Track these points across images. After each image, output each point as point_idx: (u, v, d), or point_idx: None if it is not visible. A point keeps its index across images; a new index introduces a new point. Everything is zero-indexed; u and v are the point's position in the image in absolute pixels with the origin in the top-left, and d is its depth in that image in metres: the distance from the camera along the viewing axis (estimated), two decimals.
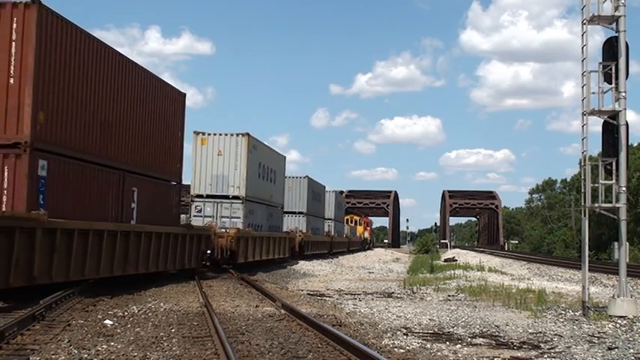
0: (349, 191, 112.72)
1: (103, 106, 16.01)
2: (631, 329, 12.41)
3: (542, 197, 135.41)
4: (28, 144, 12.94)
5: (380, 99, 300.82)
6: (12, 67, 13.10)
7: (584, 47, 15.07)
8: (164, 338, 9.76)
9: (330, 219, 54.19)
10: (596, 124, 15.60)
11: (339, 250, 57.29)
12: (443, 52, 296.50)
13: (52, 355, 8.31)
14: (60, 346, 8.83)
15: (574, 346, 10.48)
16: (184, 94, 22.17)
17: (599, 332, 12.05)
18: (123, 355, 8.47)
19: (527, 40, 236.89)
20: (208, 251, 23.96)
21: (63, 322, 10.73)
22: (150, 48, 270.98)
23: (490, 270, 33.05)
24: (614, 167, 14.85)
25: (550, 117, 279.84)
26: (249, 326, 11.25)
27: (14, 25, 13.12)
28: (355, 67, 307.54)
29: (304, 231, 40.75)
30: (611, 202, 14.92)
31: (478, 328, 12.30)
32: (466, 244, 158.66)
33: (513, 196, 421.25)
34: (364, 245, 79.15)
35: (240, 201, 27.47)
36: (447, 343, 10.60)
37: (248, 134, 27.90)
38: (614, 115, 14.84)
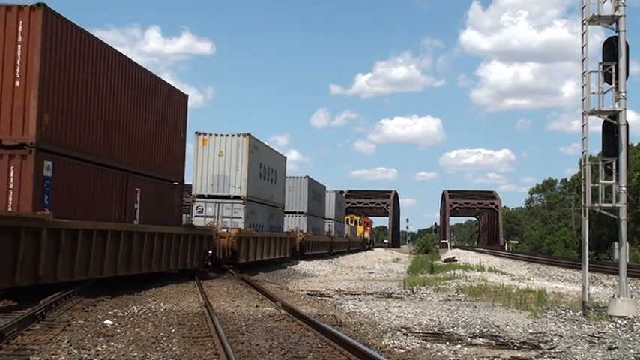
0: (349, 191, 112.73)
1: (106, 108, 16.18)
2: (631, 329, 12.41)
3: (542, 197, 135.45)
4: (34, 145, 13.13)
5: (380, 99, 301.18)
6: (18, 70, 13.29)
7: (584, 47, 15.07)
8: (164, 338, 9.76)
9: (331, 219, 54.24)
10: (596, 124, 15.62)
11: (340, 250, 57.32)
12: (443, 52, 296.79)
13: (52, 355, 8.31)
14: (60, 346, 8.83)
15: (574, 346, 10.48)
16: (186, 96, 22.31)
17: (599, 332, 12.05)
18: (123, 355, 8.47)
19: (527, 40, 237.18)
20: (210, 251, 24.04)
21: (63, 322, 10.73)
22: (150, 48, 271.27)
23: (490, 270, 33.05)
24: (614, 167, 14.85)
25: (550, 117, 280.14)
26: (249, 326, 11.25)
27: (20, 28, 13.31)
28: (355, 67, 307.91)
29: (305, 231, 40.81)
30: (611, 202, 14.92)
31: (478, 328, 12.30)
32: (466, 244, 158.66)
33: (513, 196, 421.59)
34: (364, 245, 79.17)
35: (242, 201, 27.56)
36: (447, 343, 10.60)
37: (249, 135, 28.01)
38: (614, 115, 14.84)
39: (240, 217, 27.44)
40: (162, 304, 13.97)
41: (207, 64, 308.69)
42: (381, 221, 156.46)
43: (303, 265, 34.18)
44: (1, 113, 13.23)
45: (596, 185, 15.11)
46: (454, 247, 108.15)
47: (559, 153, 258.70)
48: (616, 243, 15.19)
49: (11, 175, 13.03)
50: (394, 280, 26.72)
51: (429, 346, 10.19)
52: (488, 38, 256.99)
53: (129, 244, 16.40)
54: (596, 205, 15.00)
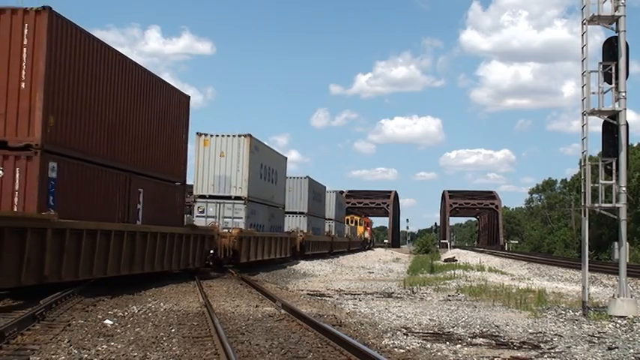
0: (349, 191, 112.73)
1: (110, 109, 16.34)
2: (631, 329, 12.41)
3: (542, 197, 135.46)
4: (39, 146, 13.32)
5: (380, 99, 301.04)
6: (23, 72, 13.49)
7: (584, 47, 15.07)
8: (164, 338, 9.76)
9: (331, 219, 54.28)
10: (596, 124, 15.63)
11: (340, 250, 57.34)
12: (443, 52, 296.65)
13: (52, 355, 8.32)
14: (60, 346, 8.83)
15: (574, 346, 10.49)
16: (188, 97, 22.45)
17: (599, 332, 12.05)
18: (123, 355, 8.48)
19: (527, 40, 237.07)
20: (211, 251, 24.12)
21: (63, 322, 10.73)
22: (150, 48, 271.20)
23: (490, 270, 33.06)
24: (614, 167, 14.85)
25: (550, 117, 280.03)
26: (249, 326, 11.25)
27: (25, 31, 13.50)
28: (355, 67, 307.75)
29: (305, 231, 40.87)
30: (611, 202, 14.92)
31: (478, 328, 12.30)
32: (466, 244, 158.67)
33: (513, 196, 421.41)
34: (364, 245, 79.18)
35: (243, 201, 27.67)
36: (447, 343, 10.60)
37: (250, 135, 28.13)
38: (614, 115, 14.84)
39: (241, 217, 27.54)
40: (162, 304, 13.98)
41: (207, 64, 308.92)
42: (381, 221, 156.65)
43: (303, 265, 34.19)
44: (7, 115, 13.42)
45: (596, 185, 15.11)
46: (454, 247, 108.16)
47: (559, 153, 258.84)
48: (616, 243, 15.19)
49: (17, 176, 13.23)
50: (394, 280, 26.72)
51: (429, 346, 10.19)
52: (488, 38, 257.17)
53: (132, 244, 16.54)
54: (596, 205, 15.00)
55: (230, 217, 27.42)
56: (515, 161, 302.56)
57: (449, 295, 19.20)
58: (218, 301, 14.90)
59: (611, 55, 14.90)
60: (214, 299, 15.32)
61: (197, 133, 27.82)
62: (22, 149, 13.28)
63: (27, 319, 10.26)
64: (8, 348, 8.61)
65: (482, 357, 9.55)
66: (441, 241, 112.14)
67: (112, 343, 9.18)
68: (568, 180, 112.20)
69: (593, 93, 14.97)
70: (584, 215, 15.22)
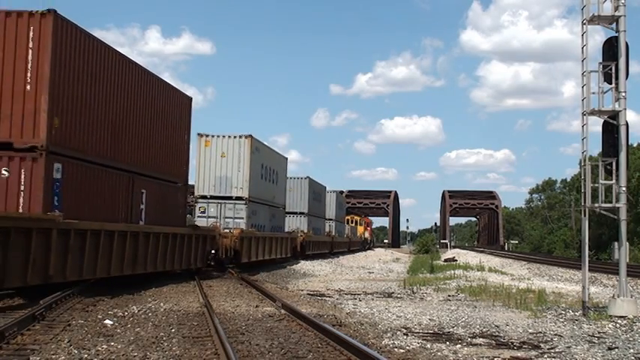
0: (349, 191, 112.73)
1: (113, 111, 16.51)
2: (631, 329, 12.41)
3: (542, 197, 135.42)
4: (44, 148, 13.48)
5: (380, 99, 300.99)
6: (29, 74, 13.65)
7: (584, 47, 15.08)
8: (164, 338, 9.76)
9: (331, 219, 54.33)
10: (596, 124, 15.63)
11: (340, 250, 57.36)
12: (443, 52, 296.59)
13: (52, 355, 8.32)
14: (60, 346, 8.83)
15: (574, 346, 10.49)
16: (190, 98, 22.63)
17: (599, 332, 12.05)
18: (123, 355, 8.48)
19: (527, 40, 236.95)
20: (213, 251, 24.21)
21: (63, 322, 10.73)
22: (150, 48, 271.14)
23: (490, 270, 33.06)
24: (614, 167, 14.85)
25: (550, 117, 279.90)
26: (249, 326, 11.25)
27: (31, 34, 13.66)
28: (355, 67, 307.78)
29: (305, 231, 40.95)
30: (611, 202, 14.92)
31: (478, 328, 12.30)
32: (466, 244, 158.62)
33: (513, 196, 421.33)
34: (364, 245, 79.17)
35: (244, 202, 27.79)
36: (447, 343, 10.60)
37: (251, 136, 28.26)
38: (614, 115, 14.84)
39: (242, 218, 27.68)
40: (162, 304, 13.98)
41: (207, 64, 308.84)
42: (381, 221, 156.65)
43: (304, 265, 34.21)
44: (13, 117, 13.59)
45: (596, 185, 15.11)
46: (454, 247, 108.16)
47: (559, 153, 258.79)
48: (616, 243, 15.19)
49: (22, 177, 13.39)
50: (394, 280, 26.72)
51: (429, 346, 10.20)
52: (488, 38, 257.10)
53: (135, 244, 16.71)
54: (596, 205, 15.00)
55: (231, 218, 27.55)
56: (515, 161, 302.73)
57: (449, 295, 19.20)
58: (218, 301, 14.90)
59: (611, 55, 14.90)
60: (214, 299, 15.32)
61: (198, 134, 27.94)
62: (27, 150, 13.44)
63: (27, 319, 10.26)
64: (8, 348, 8.61)
65: (482, 357, 9.55)
66: (441, 241, 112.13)
67: (112, 343, 9.18)
68: (568, 180, 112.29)
69: (593, 93, 14.97)
70: (584, 215, 15.22)
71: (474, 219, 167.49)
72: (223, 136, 28.10)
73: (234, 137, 28.05)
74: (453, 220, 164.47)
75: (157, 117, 19.32)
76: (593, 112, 14.99)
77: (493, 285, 22.19)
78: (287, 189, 37.77)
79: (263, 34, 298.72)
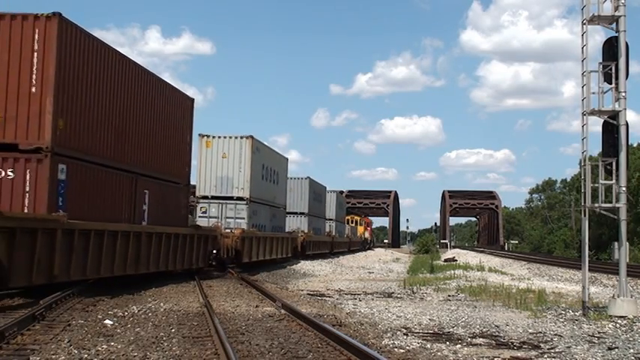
0: (349, 191, 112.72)
1: (117, 112, 16.67)
2: (631, 329, 12.41)
3: (542, 197, 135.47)
4: (49, 149, 13.65)
5: (380, 99, 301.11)
6: (34, 77, 13.81)
7: (584, 47, 15.08)
8: (164, 338, 9.76)
9: (332, 219, 54.39)
10: (596, 124, 15.63)
11: (340, 250, 57.39)
12: (443, 52, 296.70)
13: (52, 355, 8.31)
14: (60, 346, 8.83)
15: (574, 346, 10.49)
16: (192, 99, 22.80)
17: (599, 332, 12.05)
18: (123, 355, 8.47)
19: (527, 40, 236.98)
20: (214, 251, 24.29)
21: (63, 322, 10.73)
22: (150, 48, 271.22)
23: (490, 270, 33.06)
24: (614, 167, 14.85)
25: (550, 117, 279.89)
26: (249, 326, 11.25)
27: (36, 37, 13.82)
28: (355, 67, 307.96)
29: (306, 231, 41.02)
30: (611, 202, 14.92)
31: (478, 328, 12.30)
32: (466, 244, 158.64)
33: (513, 196, 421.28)
34: (365, 245, 79.17)
35: (245, 202, 27.93)
36: (447, 343, 10.60)
37: (252, 137, 28.41)
38: (614, 115, 14.84)
39: (243, 218, 27.82)
40: (162, 304, 13.98)
41: (207, 64, 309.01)
42: (381, 221, 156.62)
43: (304, 265, 34.22)
44: (18, 119, 13.74)
45: (596, 185, 15.11)
46: (454, 247, 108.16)
47: (559, 153, 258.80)
48: (616, 243, 15.19)
49: (27, 178, 13.54)
50: (394, 280, 26.72)
51: (429, 346, 10.19)
52: (488, 38, 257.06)
53: (138, 244, 16.87)
54: (596, 205, 15.00)
55: (232, 218, 27.68)
56: (515, 161, 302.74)
57: (449, 295, 19.20)
58: (218, 301, 14.90)
59: (611, 55, 14.90)
60: (214, 299, 15.32)
61: (199, 135, 28.02)
62: (32, 152, 13.59)
63: (27, 319, 10.26)
64: (8, 348, 8.61)
65: (482, 357, 9.55)
66: (441, 241, 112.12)
67: (112, 343, 9.18)
68: (568, 180, 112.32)
69: (593, 93, 14.97)
70: (584, 215, 15.22)
71: (474, 219, 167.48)
72: (224, 137, 28.24)
73: (235, 138, 28.19)
74: (453, 220, 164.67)
75: (159, 118, 19.48)
76: (593, 112, 14.99)
77: (493, 285, 22.19)
78: (287, 189, 37.89)
79: (263, 34, 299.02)
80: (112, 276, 15.74)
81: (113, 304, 13.45)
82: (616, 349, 10.21)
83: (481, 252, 72.95)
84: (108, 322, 11.11)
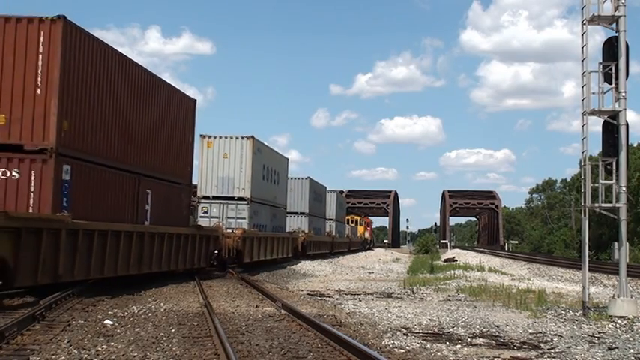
0: (349, 191, 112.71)
1: (120, 114, 16.86)
2: (631, 329, 12.41)
3: (542, 197, 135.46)
4: (54, 150, 13.84)
5: (380, 99, 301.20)
6: (39, 79, 13.99)
7: (584, 47, 15.08)
8: (164, 338, 9.76)
9: (332, 219, 54.46)
10: (596, 124, 15.63)
11: (341, 250, 57.42)
12: (443, 52, 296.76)
13: (52, 355, 8.31)
14: (60, 346, 8.83)
15: (574, 346, 10.49)
16: (194, 100, 22.95)
17: (599, 332, 12.05)
18: (123, 355, 8.47)
19: (527, 40, 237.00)
20: (216, 251, 24.34)
21: (63, 322, 10.73)
22: (150, 48, 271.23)
23: (490, 270, 33.06)
24: (614, 167, 14.85)
25: (550, 117, 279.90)
26: (249, 326, 11.25)
27: (41, 39, 13.99)
28: (355, 67, 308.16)
29: (306, 231, 41.09)
30: (611, 202, 14.92)
31: (478, 328, 12.30)
32: (466, 244, 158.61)
33: (513, 196, 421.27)
34: (365, 245, 79.21)
35: (246, 202, 28.05)
36: (447, 343, 10.60)
37: (253, 137, 28.55)
38: (614, 115, 14.84)
39: (244, 218, 27.96)
40: (162, 304, 13.98)
41: (207, 64, 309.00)
42: (381, 221, 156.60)
43: (304, 265, 34.22)
44: (23, 120, 13.91)
45: (596, 185, 15.11)
46: (454, 247, 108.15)
47: (559, 153, 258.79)
48: (616, 243, 15.19)
49: (32, 178, 13.70)
50: (394, 280, 26.72)
51: (429, 346, 10.19)
52: (488, 38, 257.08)
53: (141, 244, 17.04)
54: (596, 205, 15.00)
55: (233, 218, 27.82)
56: (515, 161, 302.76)
57: (449, 295, 19.20)
58: (218, 301, 14.90)
59: (611, 55, 14.90)
60: (214, 299, 15.32)
61: (201, 136, 28.15)
62: (37, 153, 13.74)
63: (27, 319, 10.27)
64: (8, 348, 8.61)
65: (482, 357, 9.55)
66: (441, 241, 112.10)
67: (112, 343, 9.18)
68: (568, 180, 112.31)
69: (593, 93, 14.97)
70: (584, 215, 15.22)
71: (474, 219, 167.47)
72: (225, 137, 28.39)
73: (237, 138, 28.35)
74: (453, 220, 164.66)
75: (162, 119, 19.66)
76: (593, 112, 14.99)
77: (493, 285, 22.19)
78: (288, 189, 38.00)
79: (263, 34, 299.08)
80: (115, 276, 15.88)
81: (113, 304, 13.46)
82: (616, 349, 10.21)
83: (481, 252, 72.94)
84: (108, 322, 11.11)
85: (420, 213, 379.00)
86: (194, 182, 26.23)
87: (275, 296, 15.56)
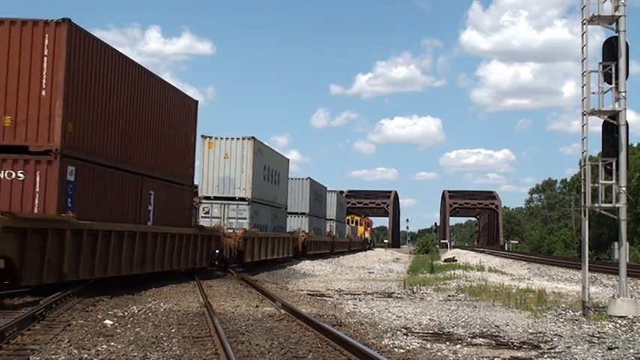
0: (349, 191, 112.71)
1: (123, 115, 17.02)
2: (631, 329, 12.41)
3: (542, 197, 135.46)
4: (59, 151, 13.99)
5: (380, 99, 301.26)
6: (44, 81, 14.15)
7: (584, 47, 15.07)
8: (164, 338, 9.76)
9: (332, 219, 54.52)
10: (596, 124, 15.63)
11: (341, 250, 57.45)
12: (443, 52, 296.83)
13: (52, 355, 8.32)
14: (60, 346, 8.83)
15: (574, 346, 10.48)
16: (196, 102, 23.08)
17: (599, 332, 12.05)
18: (123, 355, 8.47)
19: (527, 40, 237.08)
20: (217, 251, 24.42)
21: (63, 322, 10.74)
22: (150, 48, 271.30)
23: (490, 270, 33.05)
24: (614, 167, 14.85)
25: (550, 117, 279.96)
26: (249, 326, 11.25)
27: (46, 42, 14.16)
28: (355, 67, 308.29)
29: (307, 231, 41.16)
30: (611, 202, 14.91)
31: (478, 328, 12.30)
32: (466, 244, 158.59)
33: (513, 196, 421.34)
34: (365, 245, 79.26)
35: (247, 202, 28.15)
36: (447, 343, 10.60)
37: (254, 138, 28.66)
38: (614, 115, 14.84)
39: (245, 218, 28.06)
40: (162, 304, 13.98)
41: (207, 64, 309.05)
42: (381, 221, 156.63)
43: (304, 265, 34.24)
44: (28, 122, 14.08)
45: (596, 185, 15.11)
46: (454, 247, 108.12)
47: (559, 153, 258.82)
48: (616, 243, 15.19)
49: (37, 179, 13.84)
50: (394, 280, 26.72)
51: (429, 346, 10.19)
52: (488, 38, 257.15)
53: (143, 244, 17.22)
54: (596, 205, 15.00)
55: (234, 218, 27.92)
56: (515, 161, 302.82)
57: (449, 295, 19.20)
58: (218, 301, 14.90)
59: (611, 55, 14.89)
60: (214, 299, 15.32)
61: (202, 136, 28.23)
62: (42, 154, 13.88)
63: (27, 319, 10.27)
64: (8, 348, 8.61)
65: (482, 357, 9.55)
66: (441, 241, 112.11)
67: (112, 343, 9.18)
68: (568, 180, 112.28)
69: (593, 93, 14.97)
70: (584, 215, 15.22)
71: (474, 219, 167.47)
72: (226, 138, 28.51)
73: (237, 139, 28.47)
74: (453, 220, 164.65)
75: (164, 120, 19.81)
76: (593, 112, 14.99)
77: (493, 285, 22.19)
78: (289, 189, 38.07)
79: (263, 34, 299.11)
80: (118, 275, 16.06)
81: (113, 304, 13.46)
82: (616, 349, 10.21)
83: (481, 252, 72.93)
84: (108, 322, 11.11)
85: (420, 213, 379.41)
86: (195, 182, 26.33)
87: (275, 296, 15.56)
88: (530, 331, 12.14)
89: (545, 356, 9.68)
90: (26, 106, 14.03)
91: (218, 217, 27.66)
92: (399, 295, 19.23)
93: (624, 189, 14.68)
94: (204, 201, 28.05)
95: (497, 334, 11.72)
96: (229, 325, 11.20)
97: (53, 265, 13.09)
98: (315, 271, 32.08)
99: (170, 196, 20.36)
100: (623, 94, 14.69)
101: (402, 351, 9.60)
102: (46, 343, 9.01)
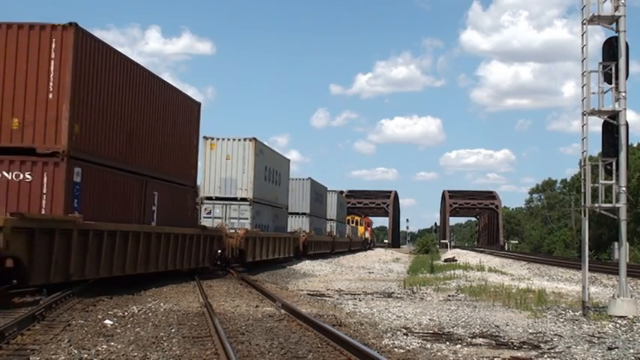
0: (349, 191, 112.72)
1: (128, 117, 17.25)
2: (631, 329, 12.41)
3: (542, 197, 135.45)
4: (66, 153, 14.23)
5: (380, 99, 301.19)
6: (51, 84, 14.36)
7: (584, 47, 15.07)
8: (164, 338, 9.76)
9: (332, 219, 54.63)
10: (596, 124, 15.63)
11: (341, 249, 57.51)
12: (443, 52, 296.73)
13: (52, 355, 8.32)
14: (60, 346, 8.83)
15: (574, 346, 10.49)
16: (199, 103, 23.31)
17: (599, 332, 12.05)
18: (123, 355, 8.48)
19: (527, 40, 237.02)
20: (219, 251, 24.52)
21: (63, 322, 10.74)
22: (150, 48, 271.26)
23: (490, 270, 33.06)
24: (614, 167, 14.85)
25: (550, 117, 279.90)
26: (249, 326, 11.25)
27: (53, 45, 14.37)
28: (355, 67, 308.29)
29: (307, 231, 41.29)
30: (611, 202, 14.92)
31: (478, 328, 12.30)
32: (466, 244, 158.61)
33: (513, 196, 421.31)
34: (365, 245, 79.30)
35: (248, 203, 28.35)
36: (447, 343, 10.60)
37: (255, 139, 28.86)
38: (614, 115, 14.84)
39: (247, 218, 28.26)
40: (162, 304, 13.98)
41: (207, 64, 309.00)
42: (381, 221, 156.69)
43: (304, 265, 34.25)
44: (36, 124, 14.29)
45: (596, 185, 15.11)
46: (454, 247, 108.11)
47: (559, 153, 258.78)
48: (616, 243, 15.20)
49: (44, 180, 14.06)
50: (394, 280, 26.72)
51: (429, 346, 10.19)
52: (488, 38, 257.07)
53: (147, 244, 17.49)
54: (596, 205, 15.00)
55: (236, 218, 28.12)
56: (515, 161, 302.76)
57: (449, 295, 19.20)
58: (218, 301, 14.91)
59: (611, 55, 14.89)
60: (214, 299, 15.32)
61: (204, 137, 28.44)
62: (49, 155, 14.09)
63: (27, 319, 10.27)
64: (8, 348, 8.62)
65: (482, 357, 9.55)
66: (441, 241, 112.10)
67: (112, 343, 9.19)
68: (568, 180, 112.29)
69: (593, 93, 14.97)
70: (584, 215, 15.22)
71: (474, 219, 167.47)
72: (228, 139, 28.72)
73: (239, 140, 28.67)
74: (453, 220, 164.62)
75: (168, 122, 20.03)
76: (593, 112, 14.99)
77: (493, 285, 22.19)
78: (289, 190, 38.21)
79: (263, 34, 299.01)
80: (123, 275, 16.28)
81: (113, 304, 13.47)
82: (616, 349, 10.21)
83: (481, 252, 72.94)
84: (108, 322, 11.12)
85: (420, 213, 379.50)
86: (197, 183, 26.42)
87: (275, 296, 15.56)
88: (530, 331, 12.14)
89: (545, 356, 9.69)
90: (34, 109, 14.25)
91: (220, 218, 27.87)
92: (399, 295, 19.23)
93: (624, 189, 14.68)
94: (206, 201, 28.21)
95: (497, 334, 11.72)
96: (229, 325, 11.21)
97: (60, 265, 13.30)
98: (315, 271, 32.09)
99: (173, 197, 20.54)
100: (623, 94, 14.69)
101: (402, 351, 9.60)
102: (46, 343, 9.02)
